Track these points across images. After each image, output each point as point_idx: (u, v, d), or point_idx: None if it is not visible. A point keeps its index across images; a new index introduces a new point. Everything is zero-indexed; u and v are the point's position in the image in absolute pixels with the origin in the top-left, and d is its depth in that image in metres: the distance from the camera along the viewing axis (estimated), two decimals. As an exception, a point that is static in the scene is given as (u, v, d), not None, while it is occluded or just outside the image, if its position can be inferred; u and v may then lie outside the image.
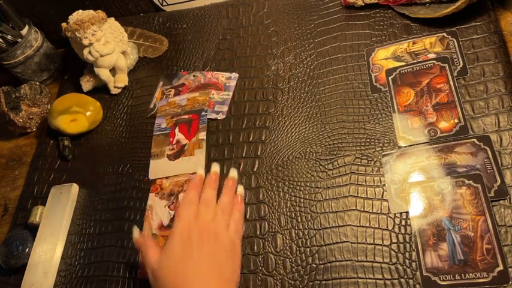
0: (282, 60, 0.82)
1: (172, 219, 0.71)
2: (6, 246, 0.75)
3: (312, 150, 0.70)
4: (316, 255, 0.62)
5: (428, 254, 0.57)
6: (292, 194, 0.68)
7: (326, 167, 0.68)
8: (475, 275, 0.54)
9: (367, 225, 0.62)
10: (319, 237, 0.63)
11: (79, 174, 0.83)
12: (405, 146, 0.65)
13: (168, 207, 0.73)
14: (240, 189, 0.69)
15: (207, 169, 0.72)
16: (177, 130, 0.81)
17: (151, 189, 0.76)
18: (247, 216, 0.68)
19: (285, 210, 0.67)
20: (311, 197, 0.66)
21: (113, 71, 0.90)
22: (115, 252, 0.72)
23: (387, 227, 0.61)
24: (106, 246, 0.73)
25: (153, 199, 0.74)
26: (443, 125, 0.65)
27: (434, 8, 0.75)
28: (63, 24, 0.83)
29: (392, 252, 0.59)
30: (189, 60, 0.90)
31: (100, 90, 0.92)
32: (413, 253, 0.58)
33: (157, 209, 0.73)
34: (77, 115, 0.84)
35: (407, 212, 0.61)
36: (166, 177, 0.76)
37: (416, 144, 0.65)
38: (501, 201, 0.57)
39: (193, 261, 0.58)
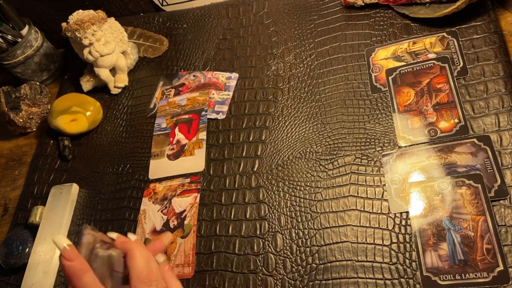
0: (282, 60, 0.82)
1: (165, 224, 0.71)
2: (6, 246, 0.75)
3: (312, 150, 0.70)
4: (316, 255, 0.62)
5: (428, 254, 0.57)
6: (292, 193, 0.68)
7: (326, 166, 0.68)
8: (475, 275, 0.54)
9: (367, 225, 0.62)
10: (319, 237, 0.63)
11: (79, 174, 0.83)
12: (405, 146, 0.65)
13: (161, 211, 0.73)
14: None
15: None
16: (177, 130, 0.81)
17: (145, 193, 0.75)
18: (248, 216, 0.68)
19: (285, 210, 0.67)
20: (311, 197, 0.66)
21: (113, 71, 0.90)
22: (115, 252, 0.72)
23: (387, 227, 0.61)
24: (106, 246, 0.73)
25: (146, 203, 0.74)
26: (443, 124, 0.65)
27: (434, 8, 0.75)
28: (63, 24, 0.83)
29: (392, 252, 0.59)
30: (189, 60, 0.90)
31: (100, 90, 0.92)
32: (414, 253, 0.58)
33: (150, 214, 0.73)
34: (77, 115, 0.84)
35: (407, 212, 0.61)
36: (160, 182, 0.76)
37: (417, 144, 0.65)
38: (501, 201, 0.57)
39: None
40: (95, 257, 0.48)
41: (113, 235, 0.50)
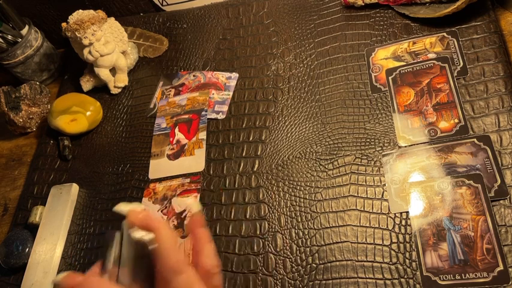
0: (282, 60, 0.82)
1: None
2: (6, 246, 0.75)
3: (312, 150, 0.70)
4: (316, 255, 0.62)
5: (428, 253, 0.57)
6: (292, 193, 0.68)
7: (326, 166, 0.68)
8: (475, 275, 0.54)
9: (367, 225, 0.62)
10: (319, 237, 0.63)
11: (79, 174, 0.83)
12: (405, 146, 0.65)
13: (161, 211, 0.73)
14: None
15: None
16: (177, 130, 0.81)
17: (145, 193, 0.75)
18: (247, 216, 0.68)
19: (285, 210, 0.67)
20: (311, 197, 0.66)
21: (113, 71, 0.90)
22: (115, 252, 0.72)
23: (387, 226, 0.61)
24: (106, 246, 0.73)
25: (146, 203, 0.74)
26: (443, 124, 0.65)
27: (434, 7, 0.75)
28: (63, 24, 0.84)
29: (392, 252, 0.59)
30: (189, 60, 0.90)
31: (100, 90, 0.92)
32: (414, 253, 0.58)
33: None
34: (77, 115, 0.84)
35: (407, 212, 0.61)
36: (160, 182, 0.76)
37: (417, 144, 0.65)
38: (501, 201, 0.57)
39: None
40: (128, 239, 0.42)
41: (123, 208, 0.43)
